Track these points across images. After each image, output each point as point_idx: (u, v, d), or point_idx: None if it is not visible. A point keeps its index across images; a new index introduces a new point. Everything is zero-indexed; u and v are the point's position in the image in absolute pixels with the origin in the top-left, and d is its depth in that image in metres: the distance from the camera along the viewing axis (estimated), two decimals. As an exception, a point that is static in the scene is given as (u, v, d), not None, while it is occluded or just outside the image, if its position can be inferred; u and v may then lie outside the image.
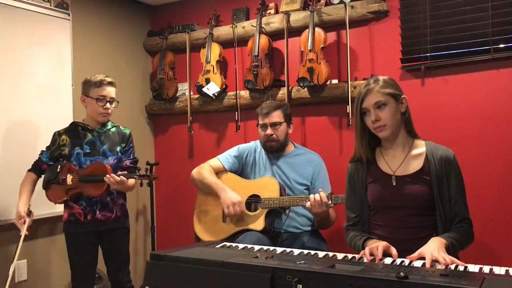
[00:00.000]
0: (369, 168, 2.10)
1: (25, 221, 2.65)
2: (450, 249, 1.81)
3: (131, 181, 2.76)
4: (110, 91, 2.79)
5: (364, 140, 2.07)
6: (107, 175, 2.62)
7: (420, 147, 2.05)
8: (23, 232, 2.62)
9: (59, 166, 2.75)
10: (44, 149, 2.85)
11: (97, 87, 2.76)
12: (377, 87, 1.99)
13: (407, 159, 2.04)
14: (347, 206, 2.18)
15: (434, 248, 1.75)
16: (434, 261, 1.70)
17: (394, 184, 2.01)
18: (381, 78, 2.04)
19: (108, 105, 2.79)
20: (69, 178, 2.71)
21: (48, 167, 2.80)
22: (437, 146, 2.04)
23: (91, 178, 2.69)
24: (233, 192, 2.80)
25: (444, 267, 1.66)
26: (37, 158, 2.84)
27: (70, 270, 2.82)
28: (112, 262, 2.88)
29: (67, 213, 2.78)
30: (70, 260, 2.81)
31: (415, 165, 2.01)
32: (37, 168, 2.82)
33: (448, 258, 1.70)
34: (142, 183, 2.91)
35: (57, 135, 2.84)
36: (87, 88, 2.80)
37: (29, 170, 2.83)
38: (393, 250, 1.83)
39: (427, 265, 1.66)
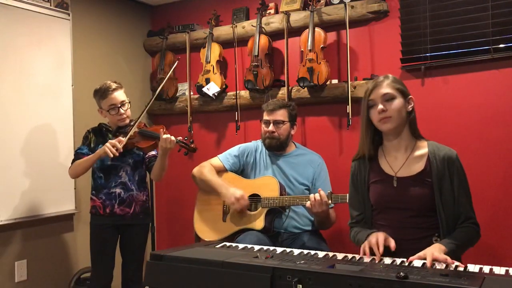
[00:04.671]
0: (371, 168, 2.10)
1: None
2: (450, 255, 1.80)
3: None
4: (117, 96, 2.79)
5: (369, 135, 2.07)
6: (163, 133, 2.67)
7: (423, 148, 2.04)
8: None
9: (133, 121, 2.84)
10: (80, 146, 2.86)
11: (104, 98, 2.79)
12: (387, 81, 2.02)
13: (408, 161, 2.03)
14: (351, 204, 2.19)
15: (435, 250, 1.77)
16: (435, 261, 1.70)
17: (396, 185, 2.01)
18: (390, 75, 2.06)
19: (121, 110, 2.80)
20: (133, 130, 2.75)
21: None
22: (440, 147, 2.03)
23: (147, 133, 2.78)
24: (234, 188, 2.80)
25: (444, 267, 1.66)
26: (74, 157, 2.83)
27: (90, 262, 2.88)
28: (126, 256, 2.92)
29: (91, 205, 2.85)
30: (91, 251, 2.86)
31: (417, 167, 2.01)
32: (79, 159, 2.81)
33: (449, 260, 1.70)
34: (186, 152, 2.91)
35: (87, 132, 2.90)
36: (98, 101, 2.84)
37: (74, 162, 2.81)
38: (392, 242, 1.86)
39: (428, 265, 1.67)
